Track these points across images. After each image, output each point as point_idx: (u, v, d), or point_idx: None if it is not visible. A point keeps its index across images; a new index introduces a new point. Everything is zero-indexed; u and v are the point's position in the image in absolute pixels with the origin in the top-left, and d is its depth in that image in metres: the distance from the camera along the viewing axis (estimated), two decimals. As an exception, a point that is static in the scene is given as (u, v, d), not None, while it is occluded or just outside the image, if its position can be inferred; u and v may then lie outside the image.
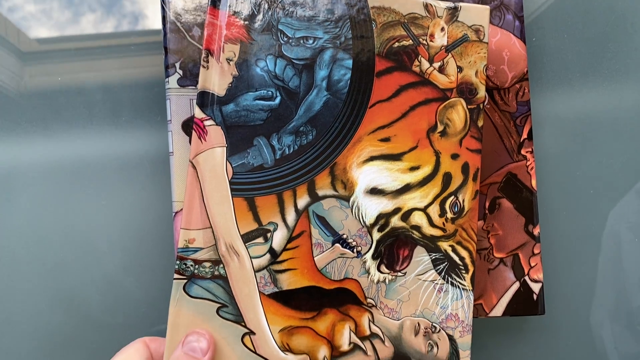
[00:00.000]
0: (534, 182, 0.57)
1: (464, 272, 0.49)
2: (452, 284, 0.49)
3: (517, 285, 0.56)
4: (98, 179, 0.58)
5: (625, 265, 0.61)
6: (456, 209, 0.49)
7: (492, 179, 0.57)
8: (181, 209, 0.49)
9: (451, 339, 0.49)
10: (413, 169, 0.49)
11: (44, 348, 0.57)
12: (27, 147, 0.58)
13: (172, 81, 0.51)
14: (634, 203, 0.61)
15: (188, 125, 0.51)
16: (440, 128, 0.49)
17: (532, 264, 0.57)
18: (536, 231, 0.57)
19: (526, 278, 0.57)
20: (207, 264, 0.46)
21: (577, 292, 0.61)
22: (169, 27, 0.51)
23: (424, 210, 0.48)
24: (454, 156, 0.49)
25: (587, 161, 0.62)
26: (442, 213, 0.49)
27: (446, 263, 0.49)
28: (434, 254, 0.49)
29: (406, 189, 0.49)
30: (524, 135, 0.57)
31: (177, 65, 0.51)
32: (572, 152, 0.62)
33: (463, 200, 0.49)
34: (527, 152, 0.57)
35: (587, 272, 0.61)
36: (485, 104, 0.53)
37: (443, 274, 0.49)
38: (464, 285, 0.49)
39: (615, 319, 0.61)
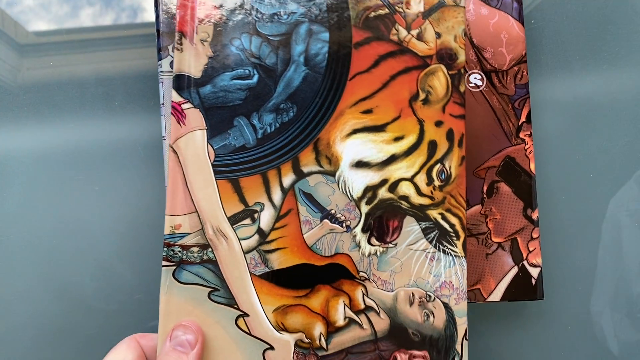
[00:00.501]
0: (532, 166, 0.57)
1: (455, 239, 0.49)
2: (443, 251, 0.49)
3: (515, 269, 0.56)
4: (91, 166, 0.57)
5: (625, 252, 0.61)
6: (443, 177, 0.49)
7: (490, 163, 0.57)
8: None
9: (447, 306, 0.49)
10: (397, 139, 0.48)
11: (37, 334, 0.56)
12: (20, 134, 0.57)
13: (165, 64, 0.51)
14: (634, 190, 0.61)
15: (181, 109, 0.51)
16: (422, 96, 0.49)
17: (531, 249, 0.56)
18: (535, 215, 0.56)
19: (525, 263, 0.56)
20: (195, 249, 0.46)
21: (576, 277, 0.60)
22: (161, 9, 0.51)
23: (411, 179, 0.48)
24: (438, 123, 0.49)
25: (586, 145, 0.61)
26: (430, 181, 0.48)
27: (436, 231, 0.49)
28: (424, 223, 0.48)
29: (392, 159, 0.48)
30: (523, 119, 0.57)
31: (170, 48, 0.51)
32: (572, 135, 0.61)
33: (450, 167, 0.49)
34: (525, 135, 0.57)
35: (587, 257, 0.61)
36: (466, 69, 0.52)
37: (434, 242, 0.48)
38: (456, 252, 0.49)
39: (615, 307, 0.61)
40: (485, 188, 0.57)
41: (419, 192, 0.48)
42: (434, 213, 0.49)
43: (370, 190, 0.48)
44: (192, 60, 0.47)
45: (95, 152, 0.57)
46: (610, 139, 0.61)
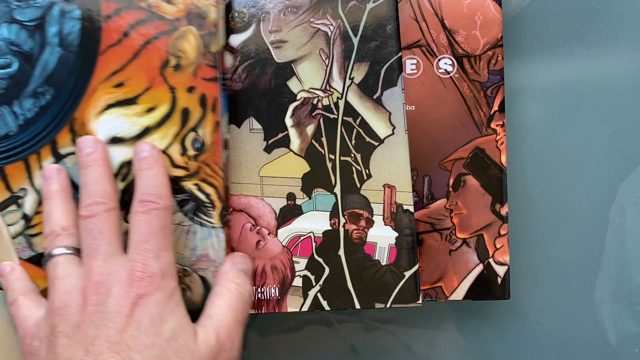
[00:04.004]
0: (503, 158, 0.55)
1: (211, 209, 0.48)
2: (200, 223, 0.48)
3: (480, 267, 0.56)
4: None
5: (627, 243, 0.60)
6: (198, 145, 0.48)
7: (457, 155, 0.56)
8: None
9: (204, 280, 0.49)
10: (150, 110, 0.48)
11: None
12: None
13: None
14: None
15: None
16: (173, 62, 0.48)
17: (498, 246, 0.56)
18: (504, 211, 0.56)
19: (490, 260, 0.56)
20: None
21: (548, 276, 0.60)
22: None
23: (164, 151, 0.48)
24: (190, 89, 0.48)
25: (566, 136, 0.60)
26: (184, 151, 0.48)
27: (193, 203, 0.48)
28: (179, 196, 0.48)
29: (145, 132, 0.48)
30: (495, 107, 0.56)
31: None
32: (550, 126, 0.60)
33: (204, 135, 0.48)
34: (497, 125, 0.56)
35: (561, 255, 0.60)
36: (217, 27, 0.51)
37: (190, 214, 0.48)
38: (212, 223, 0.48)
39: (616, 297, 0.60)
40: (451, 181, 0.56)
41: (174, 163, 0.48)
42: (189, 184, 0.48)
43: (125, 167, 0.48)
44: None
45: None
46: (594, 130, 0.59)
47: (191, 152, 0.48)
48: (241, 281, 0.47)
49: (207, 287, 0.49)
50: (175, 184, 0.48)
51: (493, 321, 0.60)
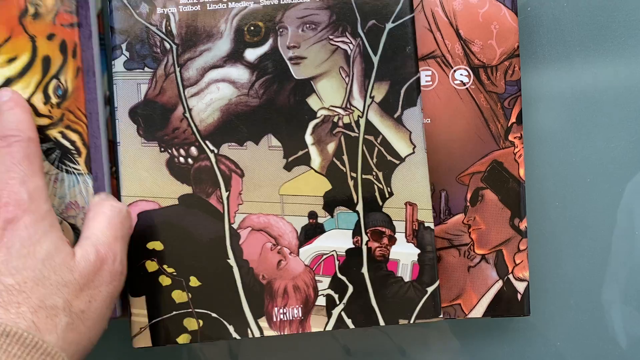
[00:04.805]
0: (522, 172, 0.58)
1: (76, 156, 0.52)
2: (67, 171, 0.52)
3: (500, 284, 0.58)
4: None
5: (637, 246, 0.63)
6: (60, 92, 0.52)
7: (475, 168, 0.58)
8: (130, 204, 0.53)
9: (74, 227, 0.52)
10: (11, 60, 0.51)
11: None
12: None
13: (119, 64, 0.53)
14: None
15: (136, 112, 0.53)
16: (31, 10, 0.51)
17: (517, 261, 0.58)
18: (523, 225, 0.58)
19: (510, 276, 0.58)
20: None
21: (567, 290, 0.63)
22: (114, 5, 0.53)
23: (28, 101, 0.51)
24: (50, 36, 0.52)
25: (584, 146, 0.62)
26: (47, 99, 0.52)
27: (58, 151, 0.52)
28: (45, 145, 0.52)
29: (7, 83, 0.51)
30: (513, 119, 0.58)
31: (124, 46, 0.53)
32: (568, 136, 0.62)
33: (66, 81, 0.52)
34: (515, 137, 0.58)
35: (580, 268, 0.63)
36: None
37: (56, 163, 0.52)
38: (79, 170, 0.52)
39: (626, 300, 0.63)
40: (469, 195, 0.58)
41: (37, 112, 0.52)
42: (54, 132, 0.52)
43: None
44: None
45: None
46: (612, 139, 0.62)
47: (54, 100, 0.52)
48: (114, 201, 0.51)
49: (77, 234, 0.52)
50: (41, 133, 0.51)
51: (507, 338, 0.63)
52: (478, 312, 0.58)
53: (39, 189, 0.47)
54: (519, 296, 0.58)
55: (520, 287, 0.58)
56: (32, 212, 0.45)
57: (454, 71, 0.58)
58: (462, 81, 0.58)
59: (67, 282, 0.45)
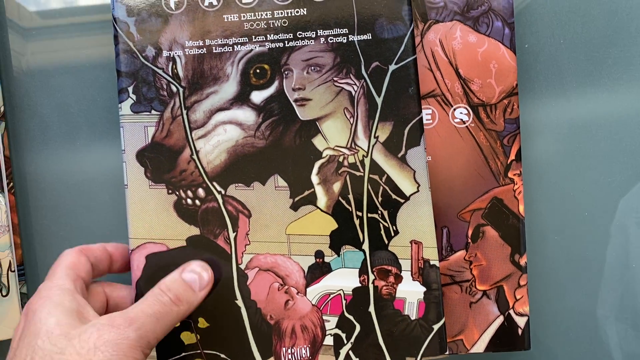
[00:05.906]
0: (521, 208, 0.59)
1: None
2: None
3: (500, 319, 0.60)
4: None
5: (632, 262, 0.64)
6: None
7: (475, 205, 0.60)
8: (138, 246, 0.54)
9: None
10: None
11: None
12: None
13: (125, 107, 0.54)
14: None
15: (143, 155, 0.54)
16: None
17: (518, 297, 0.59)
18: (522, 261, 0.60)
19: (511, 312, 0.60)
20: None
21: (567, 324, 0.64)
22: (120, 48, 0.54)
23: None
24: None
25: (582, 179, 0.64)
26: None
27: None
28: None
29: None
30: (512, 157, 0.59)
31: (130, 89, 0.54)
32: (565, 169, 0.64)
33: None
34: (514, 174, 0.59)
35: (580, 302, 0.64)
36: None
37: None
38: None
39: (620, 318, 0.64)
40: (470, 232, 0.60)
41: None
42: None
43: None
44: None
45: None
46: (609, 173, 0.64)
47: None
48: None
49: None
50: None
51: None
52: (480, 347, 0.60)
53: None
54: (520, 331, 0.59)
55: (521, 322, 0.59)
56: None
57: (454, 110, 0.60)
58: (461, 119, 0.60)
59: None
